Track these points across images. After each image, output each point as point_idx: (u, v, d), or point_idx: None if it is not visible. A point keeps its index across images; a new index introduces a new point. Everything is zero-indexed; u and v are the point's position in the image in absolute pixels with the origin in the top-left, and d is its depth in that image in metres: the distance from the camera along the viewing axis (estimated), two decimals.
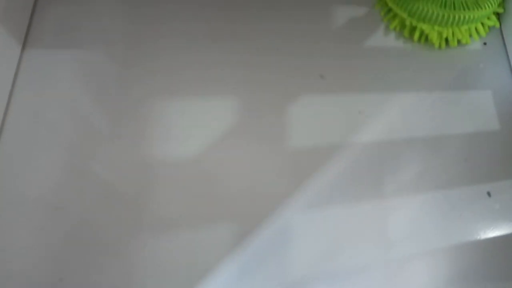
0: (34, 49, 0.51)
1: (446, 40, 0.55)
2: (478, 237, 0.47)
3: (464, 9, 0.52)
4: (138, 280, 0.42)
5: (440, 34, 0.54)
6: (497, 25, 0.56)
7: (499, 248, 0.47)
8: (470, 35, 0.55)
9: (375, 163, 0.50)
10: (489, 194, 0.49)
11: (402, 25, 0.55)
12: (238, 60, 0.53)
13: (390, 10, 0.56)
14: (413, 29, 0.54)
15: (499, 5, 0.55)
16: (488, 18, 0.55)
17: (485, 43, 0.57)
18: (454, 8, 0.52)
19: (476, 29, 0.54)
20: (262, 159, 0.49)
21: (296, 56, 0.54)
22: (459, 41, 0.55)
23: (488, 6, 0.53)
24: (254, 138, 0.49)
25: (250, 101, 0.51)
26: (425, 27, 0.53)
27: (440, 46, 0.55)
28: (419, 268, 0.45)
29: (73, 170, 0.46)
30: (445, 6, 0.52)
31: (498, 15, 0.57)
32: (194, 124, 0.50)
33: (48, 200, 0.45)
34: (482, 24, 0.54)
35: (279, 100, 0.52)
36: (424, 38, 0.55)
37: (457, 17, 0.52)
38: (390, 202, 0.48)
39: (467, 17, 0.52)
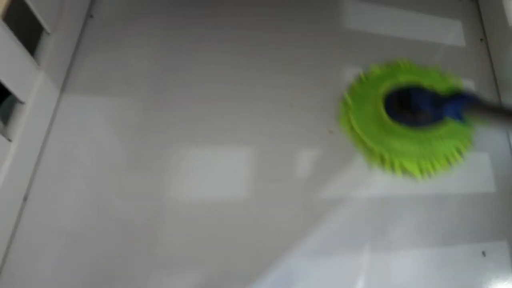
0: (71, 94, 0.56)
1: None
2: None
3: (438, 143, 0.55)
4: None
5: (420, 166, 0.55)
6: (469, 149, 0.59)
7: None
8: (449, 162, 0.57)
9: (378, 216, 0.53)
10: (483, 253, 0.52)
11: (381, 160, 0.56)
12: (255, 109, 0.57)
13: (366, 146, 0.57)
14: (392, 163, 0.56)
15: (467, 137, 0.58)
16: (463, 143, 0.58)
17: None
18: (429, 142, 0.55)
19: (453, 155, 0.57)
20: (272, 206, 0.52)
21: (308, 111, 0.59)
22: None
23: (460, 136, 0.57)
24: (266, 185, 0.53)
25: (265, 149, 0.55)
26: (405, 161, 0.55)
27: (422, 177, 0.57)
28: None
29: (98, 206, 0.50)
30: (421, 143, 0.55)
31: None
32: (210, 169, 0.54)
33: (74, 233, 0.49)
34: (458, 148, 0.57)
35: (292, 149, 0.56)
36: (404, 170, 0.56)
37: (434, 151, 0.55)
38: (390, 254, 0.51)
39: (441, 149, 0.55)
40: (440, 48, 0.66)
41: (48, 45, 0.53)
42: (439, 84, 0.58)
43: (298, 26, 0.65)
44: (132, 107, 0.56)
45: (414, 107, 0.54)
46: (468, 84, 0.64)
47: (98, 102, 0.56)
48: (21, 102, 0.49)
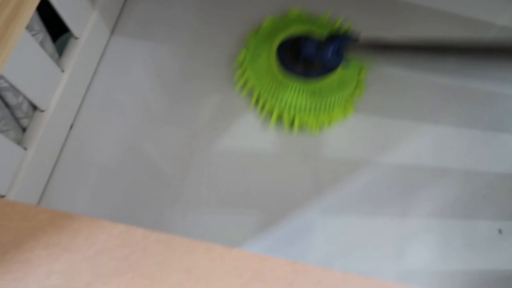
0: (120, 36, 0.59)
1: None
2: (484, 268, 0.51)
3: (330, 94, 0.54)
4: None
5: (317, 120, 0.55)
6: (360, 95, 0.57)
7: (500, 282, 0.51)
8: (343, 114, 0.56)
9: (398, 184, 0.55)
10: (500, 231, 0.53)
11: (279, 116, 0.55)
12: None
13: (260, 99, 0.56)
14: (290, 119, 0.55)
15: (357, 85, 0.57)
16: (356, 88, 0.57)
17: None
18: (321, 95, 0.54)
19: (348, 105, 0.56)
20: (296, 163, 0.55)
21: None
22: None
23: (352, 83, 0.56)
24: (292, 144, 0.55)
25: None
26: (303, 116, 0.54)
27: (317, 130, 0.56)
28: (424, 283, 0.50)
29: (130, 145, 0.54)
30: (313, 95, 0.54)
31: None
32: (241, 123, 0.57)
33: (107, 166, 0.53)
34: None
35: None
36: (300, 126, 0.55)
37: (326, 103, 0.54)
38: (407, 223, 0.53)
39: (334, 100, 0.54)
40: (488, 27, 0.65)
41: None
42: (328, 30, 0.56)
43: None
44: (175, 54, 0.59)
45: (304, 58, 0.53)
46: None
47: (144, 46, 0.59)
48: (76, 38, 0.53)
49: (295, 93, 0.53)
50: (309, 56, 0.53)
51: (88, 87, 0.56)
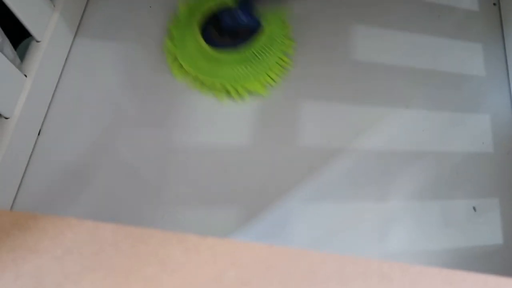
0: (84, 37, 0.58)
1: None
2: (460, 246, 0.52)
3: (264, 54, 0.56)
4: None
5: (260, 83, 0.56)
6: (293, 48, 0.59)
7: (477, 258, 0.52)
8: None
9: (375, 169, 0.55)
10: (474, 209, 0.54)
11: (225, 90, 0.56)
12: None
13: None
14: (236, 89, 0.56)
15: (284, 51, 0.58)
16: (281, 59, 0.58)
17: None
18: (256, 58, 0.55)
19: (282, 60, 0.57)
20: (272, 154, 0.55)
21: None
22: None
23: (274, 52, 0.56)
24: (267, 135, 0.55)
25: (266, 102, 0.57)
26: (246, 84, 0.55)
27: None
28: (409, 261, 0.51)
29: (104, 147, 0.53)
30: (248, 60, 0.55)
31: None
32: (214, 118, 0.56)
33: (81, 170, 0.52)
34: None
35: (294, 99, 0.58)
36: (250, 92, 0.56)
37: (264, 63, 0.56)
38: (386, 206, 0.53)
39: (270, 58, 0.56)
40: (453, 11, 0.66)
41: None
42: None
43: None
44: (143, 53, 0.58)
45: (227, 29, 0.55)
46: (477, 48, 0.64)
47: (111, 46, 0.58)
48: (37, 41, 0.51)
49: (231, 65, 0.55)
50: (229, 27, 0.55)
51: (55, 91, 0.55)
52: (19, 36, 0.54)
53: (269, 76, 0.56)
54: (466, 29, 0.66)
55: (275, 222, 0.51)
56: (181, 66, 0.56)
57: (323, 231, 0.51)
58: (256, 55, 0.55)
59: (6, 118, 0.47)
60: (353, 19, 0.64)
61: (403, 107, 0.59)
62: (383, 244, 0.51)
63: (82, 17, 0.59)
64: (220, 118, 0.56)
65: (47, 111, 0.54)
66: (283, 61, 0.58)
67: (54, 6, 0.53)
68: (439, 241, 0.52)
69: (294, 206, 0.52)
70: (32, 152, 0.52)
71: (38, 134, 0.53)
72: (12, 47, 0.47)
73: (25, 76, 0.49)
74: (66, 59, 0.56)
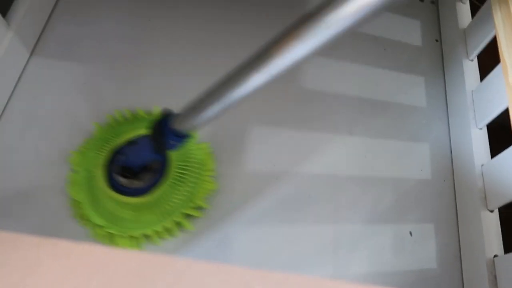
0: (41, 57, 0.59)
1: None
2: (396, 269, 0.53)
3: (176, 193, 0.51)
4: None
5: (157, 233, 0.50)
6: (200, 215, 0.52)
7: (412, 280, 0.53)
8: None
9: (319, 192, 0.57)
10: (411, 233, 0.56)
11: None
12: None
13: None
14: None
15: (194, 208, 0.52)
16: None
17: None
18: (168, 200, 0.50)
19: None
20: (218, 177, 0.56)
21: None
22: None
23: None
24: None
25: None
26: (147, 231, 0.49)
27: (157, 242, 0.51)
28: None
29: (53, 163, 0.54)
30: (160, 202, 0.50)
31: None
32: None
33: (31, 192, 0.52)
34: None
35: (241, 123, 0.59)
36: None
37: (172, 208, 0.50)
38: (327, 228, 0.55)
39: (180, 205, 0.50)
40: (399, 46, 0.70)
41: (20, 8, 0.57)
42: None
43: None
44: (101, 73, 0.60)
45: (137, 170, 0.49)
46: (419, 80, 0.67)
47: (67, 67, 0.60)
48: None
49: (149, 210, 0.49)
50: (134, 165, 0.49)
51: (5, 108, 0.56)
52: None
53: (176, 223, 0.50)
54: (410, 63, 0.69)
55: (215, 246, 0.52)
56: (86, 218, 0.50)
57: (263, 254, 0.52)
58: (169, 198, 0.50)
59: None
60: None
61: (347, 133, 0.61)
62: (323, 266, 0.52)
63: (40, 36, 0.61)
64: None
65: None
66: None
67: (8, 25, 0.55)
68: (372, 265, 0.54)
69: (235, 230, 0.53)
70: None
71: None
72: None
73: None
74: (20, 77, 0.58)
